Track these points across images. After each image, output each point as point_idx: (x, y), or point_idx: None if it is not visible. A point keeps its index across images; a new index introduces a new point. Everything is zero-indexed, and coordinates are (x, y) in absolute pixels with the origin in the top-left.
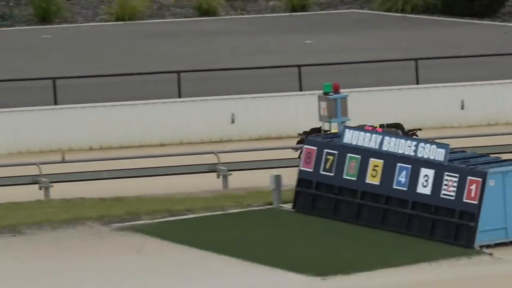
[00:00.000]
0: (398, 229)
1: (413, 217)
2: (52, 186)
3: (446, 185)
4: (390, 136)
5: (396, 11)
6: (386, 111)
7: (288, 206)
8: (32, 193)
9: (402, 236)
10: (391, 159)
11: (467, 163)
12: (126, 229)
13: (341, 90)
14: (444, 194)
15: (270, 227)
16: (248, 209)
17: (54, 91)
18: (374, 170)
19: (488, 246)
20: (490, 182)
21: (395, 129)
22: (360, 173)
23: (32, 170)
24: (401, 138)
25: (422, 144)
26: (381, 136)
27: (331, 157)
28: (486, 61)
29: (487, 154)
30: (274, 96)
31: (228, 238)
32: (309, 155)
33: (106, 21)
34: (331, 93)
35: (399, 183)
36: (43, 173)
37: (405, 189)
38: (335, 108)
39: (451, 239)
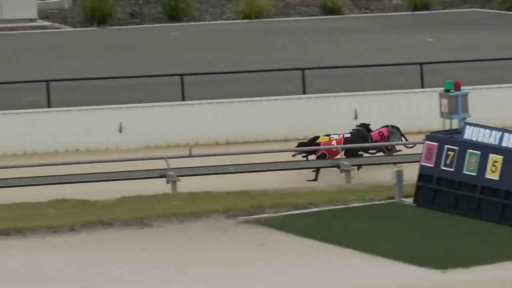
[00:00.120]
0: None
1: None
2: (179, 180)
3: None
4: (510, 133)
5: None
6: (506, 109)
7: (409, 201)
8: (160, 186)
9: None
10: (510, 155)
11: None
12: (251, 222)
13: (462, 88)
14: None
15: (392, 221)
16: (370, 203)
17: (182, 87)
18: (494, 165)
19: None
20: None
21: (396, 129)
22: (480, 168)
23: (160, 164)
24: None
25: None
26: (500, 133)
27: (451, 153)
28: None
29: None
30: (397, 93)
31: (350, 231)
32: (430, 151)
33: (233, 19)
34: (452, 90)
35: None
36: (171, 167)
37: None
38: (456, 105)
39: None
